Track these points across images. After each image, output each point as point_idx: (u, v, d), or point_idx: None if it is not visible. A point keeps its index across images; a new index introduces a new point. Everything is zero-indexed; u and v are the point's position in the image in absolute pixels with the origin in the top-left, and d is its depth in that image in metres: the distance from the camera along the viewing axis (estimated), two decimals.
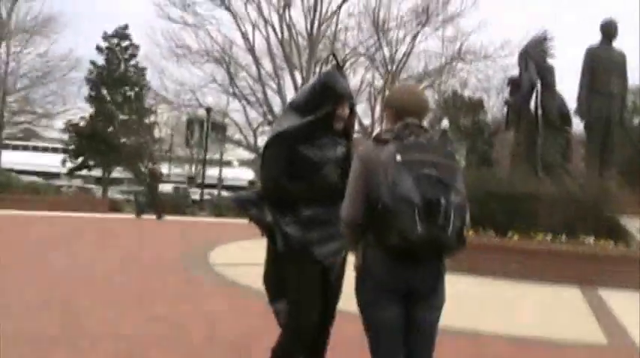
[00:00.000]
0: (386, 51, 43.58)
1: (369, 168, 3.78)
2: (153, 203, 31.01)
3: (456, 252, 3.69)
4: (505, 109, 16.73)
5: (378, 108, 44.26)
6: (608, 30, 14.92)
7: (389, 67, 43.48)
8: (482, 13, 38.89)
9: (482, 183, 13.87)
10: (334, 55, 5.28)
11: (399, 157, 3.59)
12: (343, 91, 4.83)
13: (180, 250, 16.01)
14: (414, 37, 43.32)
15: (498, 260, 12.48)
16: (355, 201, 3.84)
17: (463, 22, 42.31)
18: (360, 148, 4.04)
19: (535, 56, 15.40)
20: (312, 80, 5.13)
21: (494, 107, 46.83)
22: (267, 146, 4.87)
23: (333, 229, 4.66)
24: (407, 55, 43.64)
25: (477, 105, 46.11)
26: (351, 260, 4.25)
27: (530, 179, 14.48)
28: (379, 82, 44.78)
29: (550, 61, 15.49)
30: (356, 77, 45.14)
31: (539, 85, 15.44)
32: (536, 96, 15.55)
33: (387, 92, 41.65)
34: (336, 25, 43.29)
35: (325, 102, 4.75)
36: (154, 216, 29.56)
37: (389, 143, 3.77)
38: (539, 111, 15.51)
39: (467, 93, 45.61)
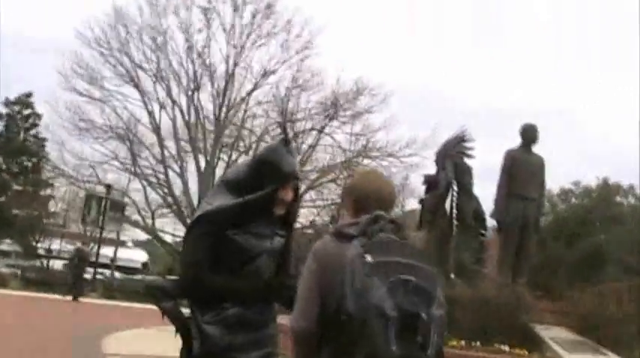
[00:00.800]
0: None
1: (327, 267, 3.18)
2: (76, 283, 30.03)
3: None
4: (419, 208, 16.25)
5: None
6: (528, 134, 14.73)
7: None
8: (392, 109, 39.41)
9: None
10: (283, 128, 4.59)
11: (369, 258, 2.98)
12: (289, 171, 4.12)
13: (70, 336, 14.88)
14: (321, 130, 43.24)
15: None
16: (308, 308, 3.20)
17: (372, 118, 42.31)
18: (317, 244, 3.39)
19: (453, 155, 15.10)
20: (252, 155, 4.46)
21: (397, 205, 46.89)
22: (191, 227, 4.09)
23: (261, 333, 3.98)
24: (312, 147, 43.46)
25: None
26: None
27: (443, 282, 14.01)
28: None
29: (468, 161, 15.20)
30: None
31: (455, 186, 15.13)
32: (452, 197, 15.22)
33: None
34: (245, 111, 42.97)
35: (266, 182, 4.02)
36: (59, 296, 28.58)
37: (354, 239, 3.16)
38: (455, 212, 15.17)
39: None
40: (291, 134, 42.63)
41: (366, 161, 43.68)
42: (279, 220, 4.16)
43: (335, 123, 43.22)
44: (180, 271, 4.14)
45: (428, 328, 2.88)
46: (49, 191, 52.45)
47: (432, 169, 15.90)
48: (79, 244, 38.35)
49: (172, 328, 3.99)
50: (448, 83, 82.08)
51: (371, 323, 2.83)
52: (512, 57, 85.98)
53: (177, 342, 4.00)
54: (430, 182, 15.50)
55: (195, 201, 41.33)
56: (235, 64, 41.82)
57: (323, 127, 43.26)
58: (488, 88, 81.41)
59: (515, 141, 14.92)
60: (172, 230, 44.98)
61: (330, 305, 3.07)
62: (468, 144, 15.21)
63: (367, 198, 3.41)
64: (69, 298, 29.02)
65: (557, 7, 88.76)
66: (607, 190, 48.15)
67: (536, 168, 14.77)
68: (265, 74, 42.05)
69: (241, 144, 43.19)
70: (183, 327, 3.97)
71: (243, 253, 3.97)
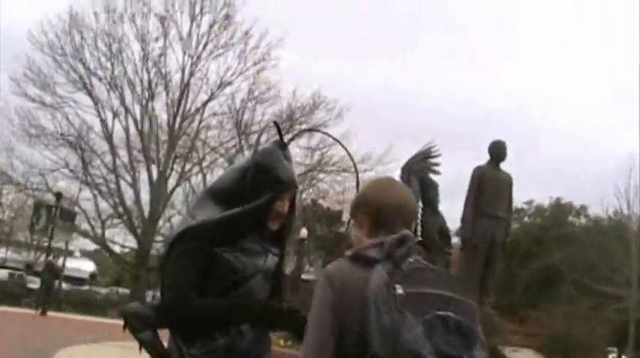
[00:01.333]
0: (246, 154, 42.72)
1: (345, 297, 2.58)
2: (45, 298, 28.97)
3: None
4: None
5: None
6: (497, 151, 14.37)
7: None
8: (347, 124, 38.96)
9: None
10: (276, 125, 3.98)
11: (399, 289, 2.42)
12: (287, 178, 3.54)
13: (17, 352, 14.06)
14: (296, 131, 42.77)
15: None
16: (323, 347, 2.58)
17: (333, 132, 41.84)
18: (330, 268, 2.73)
19: (418, 171, 14.69)
20: (242, 160, 3.82)
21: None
22: (172, 243, 3.46)
23: None
24: None
25: (335, 217, 45.72)
26: None
27: None
28: None
29: (434, 177, 14.78)
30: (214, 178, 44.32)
31: (420, 202, 14.72)
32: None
33: None
34: (200, 122, 42.36)
35: (260, 191, 3.43)
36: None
37: (377, 264, 2.55)
38: (419, 229, 14.77)
39: (326, 204, 45.24)
40: (245, 146, 42.15)
41: (321, 175, 43.43)
42: (272, 236, 3.59)
43: (290, 136, 42.68)
44: (162, 294, 3.48)
45: None
46: None
47: None
48: (50, 258, 37.34)
49: (129, 344, 3.45)
50: (408, 97, 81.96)
51: None
52: (478, 67, 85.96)
53: None
54: None
55: (146, 212, 40.60)
56: (191, 74, 41.37)
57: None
58: (452, 102, 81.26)
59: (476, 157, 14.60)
60: (122, 240, 44.19)
61: (348, 343, 2.55)
62: (433, 161, 14.80)
63: (387, 213, 2.78)
64: (30, 311, 28.10)
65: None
66: (559, 210, 48.37)
67: (505, 185, 14.40)
68: (221, 85, 41.63)
69: (195, 154, 42.56)
70: None
71: (235, 273, 3.38)
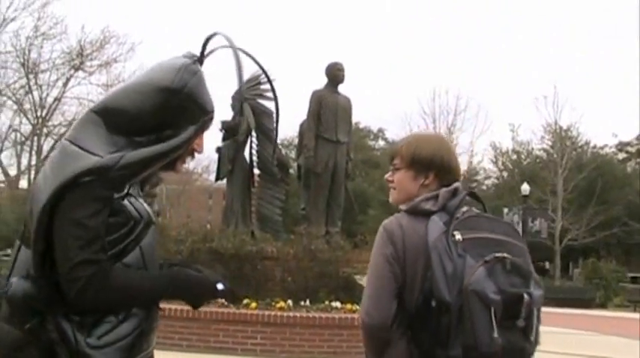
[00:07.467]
0: (36, 94, 40.27)
1: (406, 249, 2.77)
2: None
3: None
4: (217, 157, 14.67)
5: (25, 157, 41.23)
6: (334, 74, 13.60)
7: (38, 112, 40.28)
8: (141, 58, 37.13)
9: None
10: (204, 43, 2.72)
11: (459, 236, 2.61)
12: (212, 108, 2.61)
13: None
14: (67, 82, 40.63)
15: (239, 333, 10.50)
16: (383, 299, 2.76)
17: (127, 68, 40.29)
18: (388, 222, 2.89)
19: (250, 98, 13.74)
20: (146, 76, 2.57)
21: None
22: (73, 183, 2.31)
23: (152, 349, 2.51)
24: (58, 99, 40.74)
25: None
26: None
27: (249, 237, 12.78)
28: (27, 128, 41.56)
29: (268, 104, 13.82)
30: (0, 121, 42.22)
31: (255, 132, 13.86)
32: (252, 144, 13.96)
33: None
34: None
35: (182, 121, 2.49)
36: None
37: (433, 216, 2.78)
38: (255, 161, 13.96)
39: None
40: (34, 87, 39.60)
41: None
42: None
43: (81, 73, 40.73)
44: (59, 265, 2.29)
45: (530, 310, 2.56)
46: None
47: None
48: None
49: None
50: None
51: (470, 310, 2.48)
52: None
53: None
54: (228, 129, 13.98)
55: None
56: None
57: (69, 78, 40.68)
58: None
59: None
60: None
61: (411, 293, 2.73)
62: (264, 86, 13.89)
63: (441, 166, 2.94)
64: None
65: None
66: (358, 134, 48.91)
67: (345, 109, 13.72)
68: (4, 22, 38.68)
69: None
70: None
71: (134, 229, 2.45)
